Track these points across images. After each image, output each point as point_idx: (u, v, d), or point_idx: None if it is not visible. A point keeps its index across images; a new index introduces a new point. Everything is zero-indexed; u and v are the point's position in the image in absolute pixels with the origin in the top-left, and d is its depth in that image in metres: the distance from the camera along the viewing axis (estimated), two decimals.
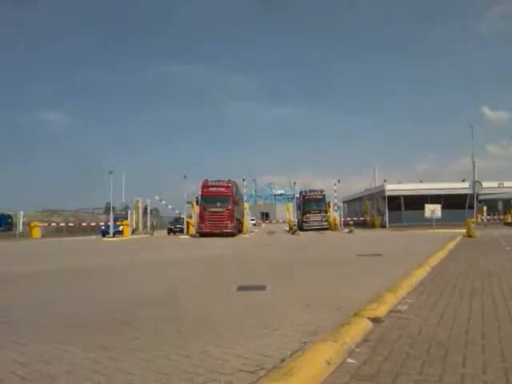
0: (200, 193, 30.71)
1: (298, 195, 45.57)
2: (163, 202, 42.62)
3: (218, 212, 29.52)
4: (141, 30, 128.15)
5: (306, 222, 40.12)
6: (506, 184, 45.55)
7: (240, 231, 34.62)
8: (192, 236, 31.79)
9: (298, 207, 43.18)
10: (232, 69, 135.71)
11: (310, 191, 43.20)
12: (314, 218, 40.28)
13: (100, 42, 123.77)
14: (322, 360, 3.16)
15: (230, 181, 31.22)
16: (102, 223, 40.18)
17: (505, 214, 50.46)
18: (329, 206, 42.19)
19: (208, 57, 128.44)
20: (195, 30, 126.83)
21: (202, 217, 30.11)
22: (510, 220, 47.12)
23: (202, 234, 29.43)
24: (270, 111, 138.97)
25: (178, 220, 40.52)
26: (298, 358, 3.17)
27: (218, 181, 30.79)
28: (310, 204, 40.98)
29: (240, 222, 35.43)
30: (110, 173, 35.80)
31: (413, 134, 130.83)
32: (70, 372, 3.22)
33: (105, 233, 36.11)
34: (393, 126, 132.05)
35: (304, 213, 40.82)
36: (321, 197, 41.81)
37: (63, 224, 41.99)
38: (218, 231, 28.90)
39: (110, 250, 19.84)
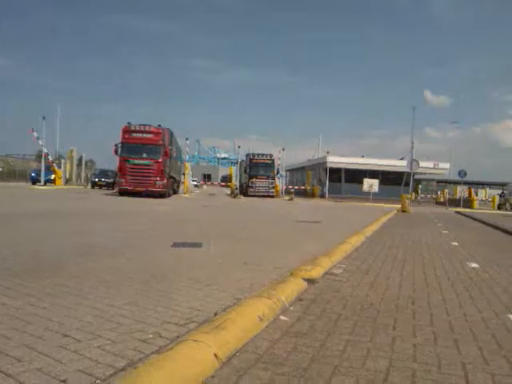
0: (121, 140, 23.75)
1: (244, 158, 42.44)
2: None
3: (144, 165, 23.37)
4: None
5: (251, 186, 37.77)
6: (441, 165, 47.94)
7: (175, 191, 30.51)
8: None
9: (244, 170, 40.17)
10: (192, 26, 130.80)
11: (259, 155, 39.65)
12: (260, 184, 37.83)
13: None
14: (254, 315, 3.06)
15: (160, 126, 24.43)
16: (33, 170, 37.07)
17: (437, 193, 53.14)
18: (277, 173, 39.97)
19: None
20: None
21: (122, 170, 23.67)
22: (441, 199, 49.72)
23: (122, 192, 23.63)
24: (226, 74, 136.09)
25: (104, 172, 36.41)
26: (231, 312, 3.05)
27: (145, 125, 23.97)
28: (257, 168, 38.20)
29: (175, 181, 30.75)
30: (44, 118, 33.79)
31: (362, 108, 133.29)
32: None
33: (35, 180, 33.89)
34: (345, 97, 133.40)
35: (250, 177, 38.07)
36: (270, 162, 39.06)
37: None
38: (143, 189, 23.19)
39: (38, 198, 18.83)
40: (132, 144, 23.36)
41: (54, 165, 35.59)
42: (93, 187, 34.32)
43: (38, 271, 4.34)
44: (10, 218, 9.54)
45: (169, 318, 3.06)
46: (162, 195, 23.58)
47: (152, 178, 23.23)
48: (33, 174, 35.16)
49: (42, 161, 33.98)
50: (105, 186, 33.92)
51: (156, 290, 3.82)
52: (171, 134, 26.94)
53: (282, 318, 3.36)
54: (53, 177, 34.52)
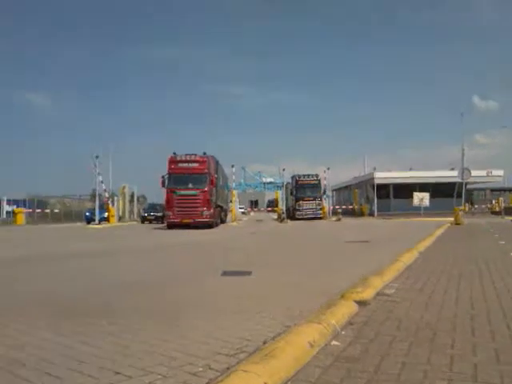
0: (167, 171, 23.45)
1: (289, 180, 41.26)
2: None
3: (190, 195, 22.68)
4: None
5: (298, 209, 36.53)
6: (495, 173, 45.76)
7: (223, 221, 29.66)
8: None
9: (290, 193, 39.02)
10: (229, 51, 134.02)
11: (304, 176, 38.22)
12: (307, 206, 36.54)
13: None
14: (304, 342, 3.01)
15: (205, 154, 24.05)
16: (87, 210, 38.05)
17: (492, 202, 50.90)
18: (324, 193, 38.80)
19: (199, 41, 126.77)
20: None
21: (169, 202, 23.19)
22: (497, 209, 47.52)
23: (171, 225, 23.02)
24: (261, 97, 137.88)
25: (153, 207, 36.30)
26: (280, 340, 3.02)
27: (190, 155, 23.60)
28: (303, 190, 36.98)
29: (222, 210, 29.82)
30: (97, 157, 35.13)
31: (403, 122, 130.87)
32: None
33: (89, 219, 34.86)
34: (386, 113, 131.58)
35: (297, 199, 36.86)
36: (316, 182, 37.75)
37: (48, 210, 41.17)
38: (191, 220, 22.43)
39: (91, 237, 19.52)
40: (178, 174, 22.97)
41: (109, 202, 36.80)
42: (143, 222, 34.59)
43: None
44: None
45: (219, 349, 3.07)
46: (209, 226, 22.82)
47: (199, 209, 22.52)
48: (87, 214, 36.16)
49: (97, 200, 35.16)
50: (154, 220, 33.79)
51: (208, 320, 3.85)
52: (217, 162, 26.48)
53: (333, 343, 3.28)
54: (106, 215, 35.35)
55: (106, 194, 36.77)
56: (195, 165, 23.21)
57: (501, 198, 53.30)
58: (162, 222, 27.60)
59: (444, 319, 3.96)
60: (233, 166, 37.23)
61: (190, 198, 22.72)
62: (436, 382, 2.56)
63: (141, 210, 41.32)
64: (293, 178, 39.52)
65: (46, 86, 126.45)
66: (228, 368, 2.68)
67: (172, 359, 2.90)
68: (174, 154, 23.77)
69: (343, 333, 3.56)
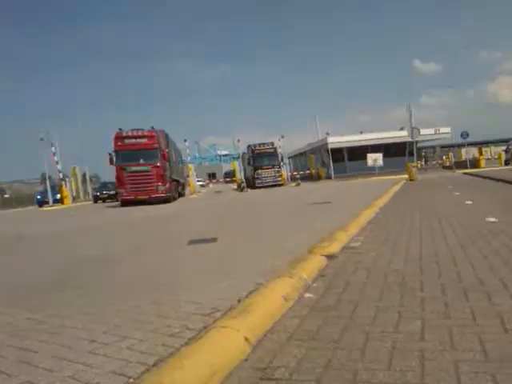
0: (113, 148, 22.23)
1: (245, 151, 41.18)
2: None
3: (143, 171, 22.00)
4: None
5: (257, 178, 36.53)
6: (442, 130, 47.29)
7: (181, 194, 29.36)
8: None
9: (248, 162, 39.06)
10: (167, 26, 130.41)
11: (260, 144, 38.20)
12: (266, 174, 36.61)
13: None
14: (278, 296, 3.01)
15: (153, 129, 23.14)
16: (38, 193, 36.91)
17: (442, 158, 52.77)
18: (282, 160, 38.72)
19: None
20: None
21: (120, 180, 22.19)
22: (448, 164, 49.39)
23: (124, 202, 22.14)
24: (206, 71, 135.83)
25: (105, 185, 34.92)
26: (254, 297, 2.99)
27: (138, 130, 22.57)
28: (260, 159, 37.00)
29: (179, 184, 29.20)
30: (41, 139, 33.71)
31: (350, 88, 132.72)
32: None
33: (41, 202, 33.79)
34: (330, 81, 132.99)
35: (255, 169, 36.82)
36: (272, 150, 37.82)
37: None
38: (146, 196, 21.86)
39: (45, 219, 18.86)
40: (126, 151, 22.01)
41: (63, 183, 35.59)
42: (95, 202, 33.25)
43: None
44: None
45: (194, 311, 3.01)
46: (166, 200, 22.27)
47: (153, 184, 21.97)
48: (38, 197, 35.12)
49: (47, 181, 34.04)
50: (108, 198, 32.50)
51: (176, 285, 3.77)
52: (166, 136, 25.77)
53: (306, 295, 3.30)
54: (58, 196, 34.23)
55: (60, 175, 35.52)
56: (144, 140, 22.28)
57: (450, 153, 55.43)
58: (116, 200, 26.38)
59: (410, 265, 4.06)
60: (185, 141, 37.11)
61: (142, 173, 21.99)
62: (410, 321, 2.62)
63: (93, 190, 39.56)
64: (248, 147, 39.33)
65: None
66: (205, 327, 2.64)
67: (147, 323, 2.83)
68: (120, 129, 22.58)
69: (315, 285, 3.58)
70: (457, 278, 3.50)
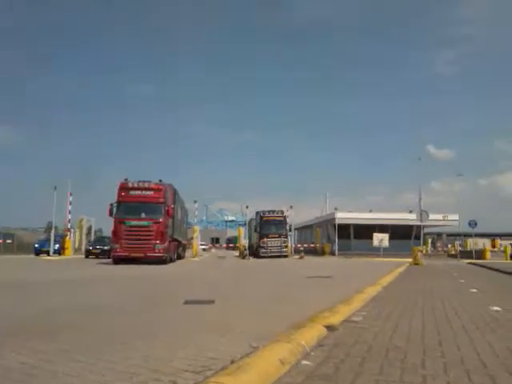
0: (116, 198, 20.44)
1: (253, 217, 39.65)
2: None
3: (142, 227, 19.92)
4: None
5: (262, 247, 34.59)
6: (450, 217, 47.26)
7: (180, 256, 27.03)
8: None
9: (255, 229, 37.24)
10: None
11: (269, 211, 36.35)
12: (272, 244, 34.67)
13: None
14: (275, 358, 2.90)
15: (161, 182, 21.45)
16: (38, 241, 35.57)
17: (447, 246, 52.35)
18: (289, 230, 37.18)
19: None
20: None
21: (116, 233, 20.10)
22: (453, 252, 48.88)
23: (117, 260, 19.94)
24: (231, 138, 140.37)
25: (101, 239, 32.57)
26: (251, 357, 2.89)
27: (144, 182, 20.86)
28: (268, 226, 35.12)
29: (180, 244, 27.07)
30: (55, 189, 34.13)
31: (362, 168, 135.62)
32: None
33: (38, 251, 32.60)
34: (343, 159, 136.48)
35: (261, 236, 34.86)
36: (281, 218, 36.11)
37: (0, 241, 38.78)
38: (142, 255, 19.83)
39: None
40: (129, 203, 20.12)
41: (67, 234, 35.43)
42: (87, 256, 29.81)
43: None
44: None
45: (185, 367, 2.90)
46: (162, 261, 20.14)
47: (151, 242, 19.79)
48: (36, 245, 33.86)
49: (53, 231, 33.92)
50: (100, 253, 29.09)
51: (173, 343, 3.66)
52: (175, 192, 23.92)
53: (303, 362, 3.18)
54: (57, 246, 33.27)
55: (69, 225, 35.54)
56: (150, 193, 20.47)
57: (456, 242, 55.05)
58: (109, 257, 23.88)
59: (413, 343, 3.93)
60: (195, 202, 36.77)
61: (141, 229, 19.96)
62: None
63: (86, 243, 36.73)
64: (257, 214, 37.79)
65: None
66: (196, 383, 2.53)
67: (135, 375, 2.72)
68: (126, 179, 20.93)
69: (313, 353, 3.46)
70: (459, 359, 3.37)
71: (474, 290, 9.44)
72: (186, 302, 6.64)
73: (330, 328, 4.38)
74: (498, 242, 62.01)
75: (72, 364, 2.97)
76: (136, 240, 19.72)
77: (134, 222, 19.94)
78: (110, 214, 20.26)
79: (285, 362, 2.93)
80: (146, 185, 20.65)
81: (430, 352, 3.60)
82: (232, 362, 2.99)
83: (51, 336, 3.88)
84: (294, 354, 3.16)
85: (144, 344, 3.55)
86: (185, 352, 3.28)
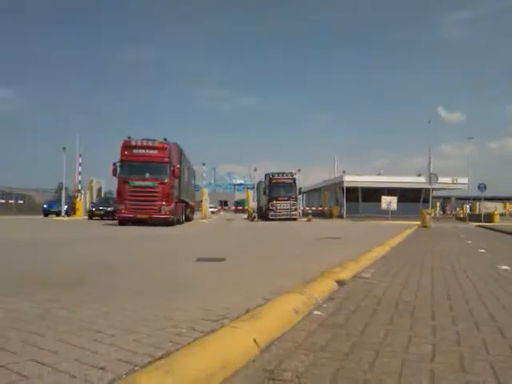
0: (119, 158, 19.69)
1: (262, 179, 38.54)
2: None
3: (147, 187, 19.23)
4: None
5: (271, 209, 34.12)
6: (460, 180, 47.07)
7: (188, 218, 26.52)
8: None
9: (263, 192, 36.42)
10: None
11: (279, 174, 35.49)
12: (282, 206, 34.07)
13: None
14: (289, 308, 2.99)
15: (166, 141, 20.44)
16: (46, 201, 35.51)
17: (456, 209, 52.31)
18: (299, 193, 36.71)
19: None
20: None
21: (120, 194, 19.60)
22: (461, 215, 48.89)
23: (122, 221, 19.52)
24: (236, 100, 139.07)
25: (105, 200, 31.92)
26: (265, 306, 2.99)
27: (148, 140, 19.92)
28: (278, 189, 34.42)
29: (188, 206, 26.39)
30: (64, 149, 34.34)
31: (373, 129, 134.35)
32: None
33: (47, 212, 32.65)
34: (351, 123, 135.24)
35: (270, 199, 34.27)
36: (291, 181, 35.25)
37: (12, 201, 39.23)
38: (146, 216, 19.24)
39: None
40: (133, 162, 19.42)
41: (78, 195, 35.85)
42: (90, 218, 29.03)
43: None
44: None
45: (202, 316, 3.00)
46: (169, 223, 19.59)
47: (157, 203, 19.20)
48: (45, 206, 33.85)
49: (63, 192, 34.38)
50: (104, 215, 28.47)
51: (187, 293, 3.77)
52: (181, 151, 23.01)
53: (316, 312, 3.28)
54: (65, 208, 33.46)
55: (79, 186, 35.96)
56: (154, 152, 19.64)
57: (465, 205, 54.97)
58: (113, 218, 23.70)
59: (422, 298, 4.02)
60: (204, 165, 36.76)
61: (146, 190, 19.29)
62: (421, 345, 2.58)
63: (89, 204, 35.50)
64: (266, 176, 36.93)
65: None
66: (212, 331, 2.62)
67: (154, 322, 2.82)
68: (129, 137, 20.07)
69: (325, 305, 3.56)
70: (468, 312, 3.46)
71: (483, 251, 9.53)
72: (199, 260, 6.79)
73: (340, 283, 4.48)
74: (507, 205, 61.83)
75: (88, 312, 3.08)
76: (141, 201, 19.23)
77: (138, 183, 19.35)
78: (114, 173, 19.81)
79: (298, 312, 3.03)
80: (150, 143, 19.83)
81: (439, 306, 3.68)
82: (247, 311, 3.10)
83: (66, 288, 4.01)
84: (306, 305, 3.26)
85: (159, 297, 3.66)
86: (201, 304, 3.38)
